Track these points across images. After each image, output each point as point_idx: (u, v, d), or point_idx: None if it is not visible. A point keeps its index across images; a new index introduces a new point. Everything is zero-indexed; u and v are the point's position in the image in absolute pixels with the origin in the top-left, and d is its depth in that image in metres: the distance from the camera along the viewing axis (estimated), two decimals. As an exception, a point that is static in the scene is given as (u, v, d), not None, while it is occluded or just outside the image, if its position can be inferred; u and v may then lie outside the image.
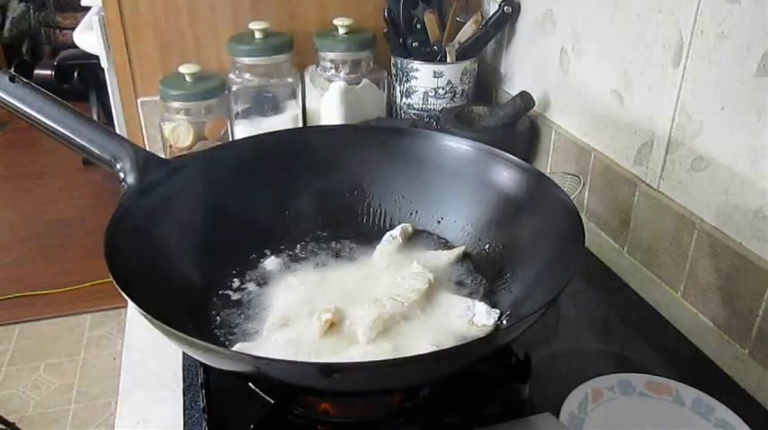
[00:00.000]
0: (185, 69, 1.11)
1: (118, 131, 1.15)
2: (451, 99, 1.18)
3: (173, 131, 1.11)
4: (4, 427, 1.74)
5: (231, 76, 1.20)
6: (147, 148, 0.86)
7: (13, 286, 2.36)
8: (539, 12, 1.07)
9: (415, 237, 0.80)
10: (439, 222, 0.81)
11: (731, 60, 0.69)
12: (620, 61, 0.87)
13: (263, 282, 0.73)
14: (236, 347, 0.62)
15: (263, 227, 0.78)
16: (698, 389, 0.67)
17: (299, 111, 1.23)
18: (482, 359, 0.60)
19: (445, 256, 0.76)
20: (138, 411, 0.68)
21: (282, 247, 0.78)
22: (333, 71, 1.21)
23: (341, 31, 1.19)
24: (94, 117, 2.87)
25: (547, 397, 0.66)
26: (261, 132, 0.92)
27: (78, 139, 0.69)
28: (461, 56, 1.17)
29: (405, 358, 0.54)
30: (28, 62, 3.65)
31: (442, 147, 0.80)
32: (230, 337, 0.65)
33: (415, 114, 1.20)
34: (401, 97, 1.21)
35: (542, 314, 0.55)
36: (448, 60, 1.16)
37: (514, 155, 0.75)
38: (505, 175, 0.75)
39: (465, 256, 0.77)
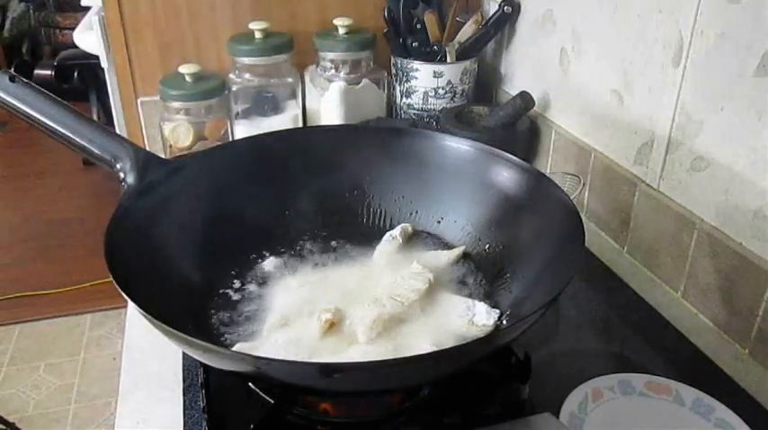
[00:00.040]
0: (185, 69, 1.12)
1: (118, 131, 1.15)
2: (451, 99, 1.18)
3: (173, 131, 1.11)
4: (4, 427, 1.74)
5: (231, 76, 1.20)
6: (147, 148, 0.86)
7: (13, 286, 2.36)
8: (539, 12, 1.07)
9: (415, 237, 0.80)
10: (439, 222, 0.81)
11: (731, 60, 0.69)
12: (620, 61, 0.87)
13: (262, 282, 0.73)
14: (236, 347, 0.62)
15: (263, 227, 0.78)
16: (698, 389, 0.67)
17: (299, 112, 1.23)
18: (482, 359, 0.60)
19: (445, 256, 0.76)
20: (138, 411, 0.68)
21: (282, 247, 0.78)
22: (333, 71, 1.21)
23: (341, 31, 1.19)
24: (94, 117, 2.87)
25: (547, 397, 0.66)
26: (261, 132, 0.92)
27: (78, 139, 0.69)
28: (461, 56, 1.17)
29: (405, 358, 0.54)
30: (28, 62, 3.65)
31: (442, 147, 0.80)
32: (230, 337, 0.65)
33: (415, 114, 1.20)
34: (401, 97, 1.21)
35: (542, 314, 0.55)
36: (448, 60, 1.16)
37: (514, 155, 0.75)
38: (505, 175, 0.75)
39: (465, 256, 0.77)
